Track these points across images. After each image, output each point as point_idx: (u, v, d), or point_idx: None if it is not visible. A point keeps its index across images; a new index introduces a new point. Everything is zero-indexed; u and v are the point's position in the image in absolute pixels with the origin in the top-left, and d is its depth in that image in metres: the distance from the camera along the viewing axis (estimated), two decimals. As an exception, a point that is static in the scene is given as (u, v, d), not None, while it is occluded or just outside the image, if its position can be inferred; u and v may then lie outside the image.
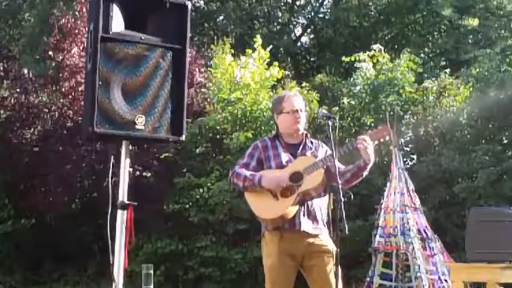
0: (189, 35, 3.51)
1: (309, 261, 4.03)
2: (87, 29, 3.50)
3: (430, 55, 17.34)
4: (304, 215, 4.02)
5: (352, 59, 11.78)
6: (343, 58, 12.01)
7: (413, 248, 7.84)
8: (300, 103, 4.21)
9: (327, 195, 4.14)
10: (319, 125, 10.57)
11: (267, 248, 4.10)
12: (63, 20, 11.65)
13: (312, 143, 4.25)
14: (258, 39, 11.76)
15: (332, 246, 4.00)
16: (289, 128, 4.18)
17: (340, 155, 4.01)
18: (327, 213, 4.10)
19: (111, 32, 3.30)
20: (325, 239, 4.06)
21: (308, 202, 4.04)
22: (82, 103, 9.24)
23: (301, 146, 4.18)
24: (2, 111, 11.84)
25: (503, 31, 15.55)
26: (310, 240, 4.02)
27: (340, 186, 3.70)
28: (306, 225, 4.02)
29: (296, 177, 4.00)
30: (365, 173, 4.12)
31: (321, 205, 4.11)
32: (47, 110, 11.68)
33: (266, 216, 4.06)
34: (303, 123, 4.20)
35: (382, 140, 4.14)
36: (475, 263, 5.01)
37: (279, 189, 4.01)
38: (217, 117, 11.27)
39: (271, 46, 12.52)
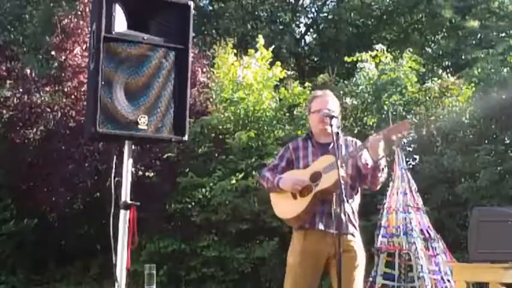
0: (191, 34, 3.51)
1: (332, 260, 3.96)
2: (89, 29, 3.50)
3: (433, 55, 17.29)
4: (324, 214, 3.99)
5: (355, 59, 11.76)
6: (346, 58, 12.00)
7: (416, 248, 7.83)
8: (328, 103, 4.18)
9: (358, 195, 4.15)
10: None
11: (292, 246, 4.12)
12: (66, 20, 11.64)
13: (345, 141, 4.20)
14: (260, 40, 11.76)
15: (359, 247, 4.01)
16: (316, 127, 4.20)
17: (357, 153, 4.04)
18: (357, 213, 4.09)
19: (113, 32, 3.30)
20: (350, 239, 4.00)
21: (331, 201, 3.97)
22: (85, 103, 9.24)
23: (332, 145, 4.07)
24: (4, 111, 11.86)
25: (504, 33, 15.49)
26: (333, 239, 3.88)
27: (342, 187, 3.69)
28: (325, 224, 3.98)
29: (315, 177, 4.01)
30: (384, 171, 4.06)
31: (350, 205, 4.05)
32: (49, 110, 11.69)
33: (285, 216, 4.11)
34: (333, 123, 4.04)
35: (402, 134, 4.08)
36: (477, 263, 5.00)
37: (296, 190, 4.02)
38: (220, 117, 11.27)
39: (273, 46, 12.51)
